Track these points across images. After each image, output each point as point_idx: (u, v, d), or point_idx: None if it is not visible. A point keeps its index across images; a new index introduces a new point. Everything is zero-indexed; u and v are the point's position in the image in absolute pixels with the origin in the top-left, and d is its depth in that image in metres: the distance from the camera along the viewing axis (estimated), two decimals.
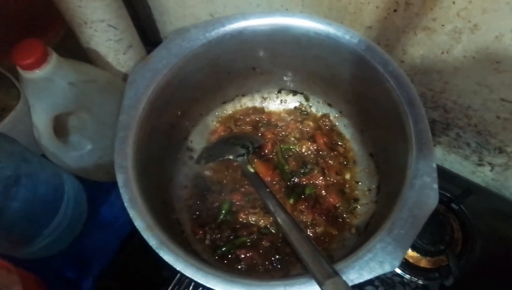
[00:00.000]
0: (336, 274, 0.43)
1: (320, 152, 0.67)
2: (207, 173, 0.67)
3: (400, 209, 0.47)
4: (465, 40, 0.54)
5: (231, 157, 0.66)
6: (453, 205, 0.68)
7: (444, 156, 0.73)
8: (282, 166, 0.66)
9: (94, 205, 0.73)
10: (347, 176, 0.66)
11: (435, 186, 0.47)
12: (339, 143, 0.69)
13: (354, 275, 0.43)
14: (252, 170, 0.63)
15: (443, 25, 0.53)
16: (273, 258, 0.59)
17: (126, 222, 0.69)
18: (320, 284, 0.43)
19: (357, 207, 0.63)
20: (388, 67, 0.53)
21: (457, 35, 0.54)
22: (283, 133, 0.71)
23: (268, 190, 0.59)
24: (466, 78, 0.58)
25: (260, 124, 0.72)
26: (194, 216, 0.63)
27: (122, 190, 0.48)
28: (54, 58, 0.52)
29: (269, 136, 0.69)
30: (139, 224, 0.46)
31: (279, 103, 0.74)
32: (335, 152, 0.67)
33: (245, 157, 0.65)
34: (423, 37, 0.56)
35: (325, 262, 0.45)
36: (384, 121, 0.58)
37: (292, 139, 0.69)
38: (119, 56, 0.69)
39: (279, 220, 0.54)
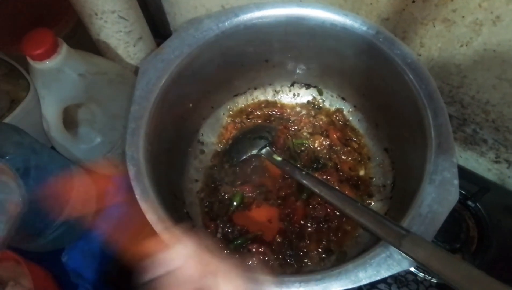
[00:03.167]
0: (408, 231, 0.43)
1: (333, 147, 0.66)
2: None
3: (419, 205, 0.46)
4: (486, 32, 0.52)
5: (254, 152, 0.64)
6: (469, 203, 0.66)
7: (460, 153, 0.72)
8: (294, 161, 0.65)
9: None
10: (361, 173, 0.65)
11: (456, 181, 0.46)
12: (353, 138, 0.68)
13: (372, 271, 0.43)
14: (279, 158, 0.62)
15: (463, 17, 0.52)
16: (285, 254, 0.58)
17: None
18: (396, 246, 0.43)
19: (371, 203, 0.62)
20: (407, 60, 0.52)
21: (477, 27, 0.52)
22: (296, 127, 0.70)
23: (304, 172, 0.58)
24: (486, 72, 0.57)
25: (272, 118, 0.71)
26: (206, 209, 0.62)
27: (133, 183, 0.47)
28: (64, 49, 0.51)
29: (281, 131, 0.68)
30: (151, 217, 0.45)
31: (292, 97, 0.73)
32: (349, 148, 0.66)
33: (268, 148, 0.64)
34: (442, 29, 0.55)
35: (392, 224, 0.45)
36: (401, 115, 0.57)
37: (305, 134, 0.68)
38: (129, 48, 0.68)
39: (328, 198, 0.53)
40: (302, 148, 0.67)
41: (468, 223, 0.66)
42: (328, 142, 0.67)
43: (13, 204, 0.45)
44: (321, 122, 0.69)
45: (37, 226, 0.58)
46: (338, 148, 0.66)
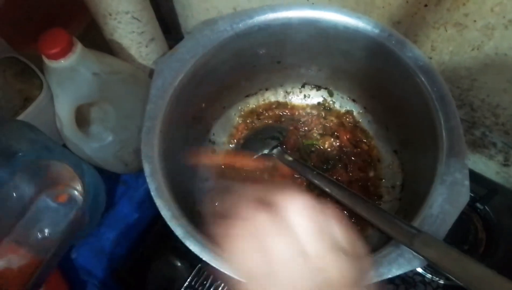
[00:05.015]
0: (419, 231, 0.43)
1: (344, 149, 0.67)
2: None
3: (430, 205, 0.46)
4: (497, 36, 0.52)
5: (266, 152, 0.65)
6: (478, 205, 0.67)
7: (468, 156, 0.72)
8: (304, 161, 0.65)
9: (113, 197, 0.73)
10: (371, 174, 0.65)
11: (467, 182, 0.46)
12: (363, 140, 0.68)
13: (383, 270, 0.43)
14: (290, 158, 0.62)
15: (475, 21, 0.52)
16: None
17: (144, 214, 0.70)
18: (408, 245, 0.43)
19: (380, 205, 0.62)
20: (419, 62, 0.53)
21: (489, 31, 0.53)
22: (306, 128, 0.70)
23: (315, 172, 0.58)
24: (496, 76, 0.57)
25: (283, 119, 0.71)
26: (217, 208, 0.62)
27: (149, 179, 0.47)
28: (79, 48, 0.52)
29: (291, 131, 0.69)
30: (165, 213, 0.46)
31: (303, 98, 0.73)
32: (359, 149, 0.67)
33: (279, 148, 0.64)
34: (453, 33, 0.55)
35: (403, 223, 0.45)
36: (412, 117, 0.57)
37: (315, 135, 0.69)
38: (141, 49, 0.69)
39: (339, 197, 0.54)
40: (312, 149, 0.68)
41: (476, 225, 0.66)
42: (338, 144, 0.67)
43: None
44: (331, 124, 0.70)
45: None
46: (348, 149, 0.67)
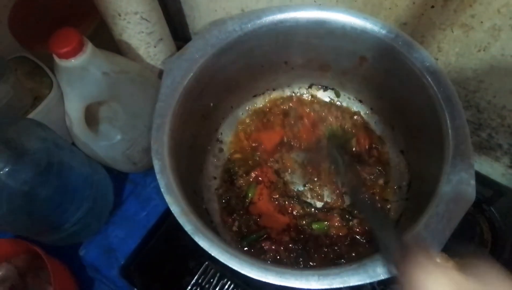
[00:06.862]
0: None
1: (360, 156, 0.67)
2: (237, 156, 0.69)
3: (436, 204, 0.46)
4: (504, 37, 0.53)
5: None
6: (484, 206, 0.67)
7: (474, 158, 0.72)
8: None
9: (121, 195, 0.74)
10: (380, 182, 0.65)
11: (473, 182, 0.47)
12: (374, 146, 0.68)
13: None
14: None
15: (481, 22, 0.53)
16: (297, 251, 0.59)
17: (151, 212, 0.71)
18: None
19: (387, 205, 0.63)
20: (425, 63, 0.53)
21: (496, 33, 0.53)
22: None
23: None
24: (503, 77, 0.57)
25: (290, 112, 0.71)
26: (224, 205, 0.64)
27: (158, 176, 0.48)
28: (89, 47, 0.52)
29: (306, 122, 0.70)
30: (175, 209, 0.46)
31: (310, 98, 0.73)
32: (373, 158, 0.67)
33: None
34: (460, 34, 0.56)
35: None
36: (418, 117, 0.57)
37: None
38: (149, 49, 0.69)
39: None
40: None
41: (482, 226, 0.66)
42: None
43: None
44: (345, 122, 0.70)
45: (56, 220, 0.59)
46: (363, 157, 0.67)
